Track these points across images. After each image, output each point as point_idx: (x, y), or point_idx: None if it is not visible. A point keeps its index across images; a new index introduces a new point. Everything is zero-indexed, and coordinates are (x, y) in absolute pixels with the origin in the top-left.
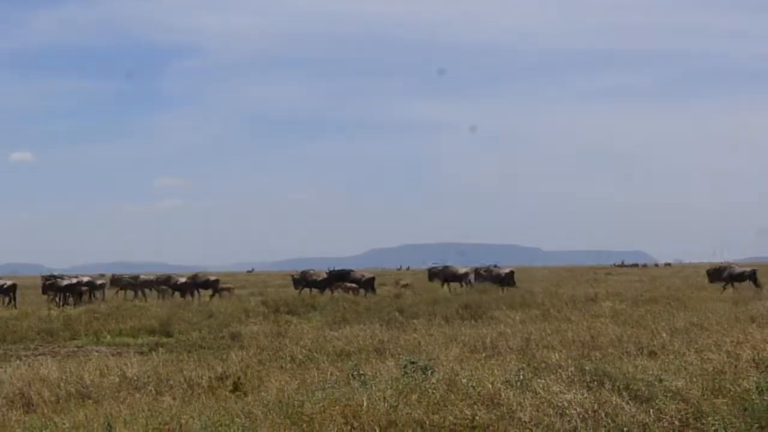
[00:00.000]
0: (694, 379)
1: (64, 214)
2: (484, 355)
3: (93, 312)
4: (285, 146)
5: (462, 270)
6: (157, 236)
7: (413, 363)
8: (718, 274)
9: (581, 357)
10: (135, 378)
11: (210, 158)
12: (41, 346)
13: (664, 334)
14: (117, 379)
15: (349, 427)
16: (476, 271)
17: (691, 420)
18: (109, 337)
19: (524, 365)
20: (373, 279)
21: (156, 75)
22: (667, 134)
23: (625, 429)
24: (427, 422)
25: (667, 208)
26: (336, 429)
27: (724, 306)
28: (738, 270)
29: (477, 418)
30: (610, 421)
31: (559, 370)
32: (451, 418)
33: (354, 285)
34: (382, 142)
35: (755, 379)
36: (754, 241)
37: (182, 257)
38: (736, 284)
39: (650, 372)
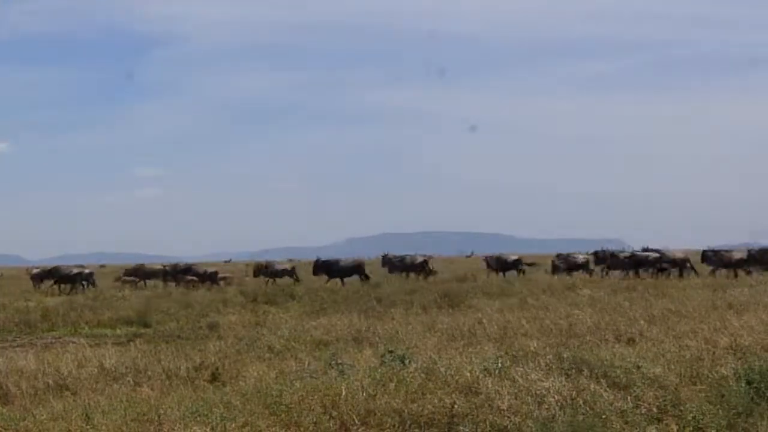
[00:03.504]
0: (672, 366)
1: (42, 204)
2: (462, 343)
3: (71, 303)
4: (264, 135)
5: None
6: (136, 226)
7: (391, 352)
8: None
9: (559, 345)
10: (113, 369)
11: (189, 148)
12: (19, 337)
13: (642, 322)
14: (95, 370)
15: (327, 417)
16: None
17: (669, 407)
18: (86, 328)
19: (502, 353)
20: (216, 273)
21: (134, 64)
22: (643, 122)
23: (603, 416)
24: (406, 411)
25: (642, 196)
26: (314, 418)
27: (701, 293)
28: (581, 259)
29: (455, 406)
30: (588, 408)
31: (537, 358)
32: (429, 406)
33: (194, 278)
34: (360, 131)
35: (733, 366)
36: (733, 230)
37: (161, 247)
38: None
39: (628, 359)
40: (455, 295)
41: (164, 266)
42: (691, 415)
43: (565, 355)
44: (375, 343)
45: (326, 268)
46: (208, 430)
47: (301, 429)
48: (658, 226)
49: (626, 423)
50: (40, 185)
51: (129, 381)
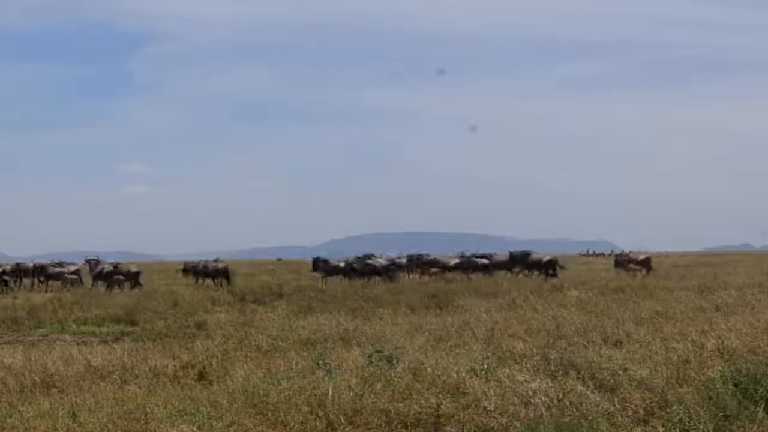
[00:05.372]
0: (659, 368)
1: (28, 201)
2: (449, 344)
3: (58, 301)
4: (250, 134)
5: None
6: (124, 224)
7: (379, 352)
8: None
9: (546, 346)
10: (100, 367)
11: (175, 146)
12: (6, 334)
13: (630, 324)
14: (82, 368)
15: (314, 416)
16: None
17: (655, 409)
18: (74, 325)
19: (489, 354)
20: (139, 273)
21: (123, 61)
22: (632, 123)
23: (589, 418)
24: (393, 411)
25: (632, 197)
26: (301, 418)
27: (689, 295)
28: (341, 264)
29: (442, 407)
30: (574, 410)
31: (525, 360)
32: (416, 407)
33: (121, 278)
34: (346, 130)
35: (720, 368)
36: (720, 232)
37: (147, 245)
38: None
39: (615, 361)
40: (443, 295)
41: (35, 265)
42: (678, 417)
43: (552, 357)
44: (362, 343)
45: None
46: (194, 428)
47: (288, 428)
48: (654, 228)
49: (613, 425)
50: (26, 182)
51: (116, 379)
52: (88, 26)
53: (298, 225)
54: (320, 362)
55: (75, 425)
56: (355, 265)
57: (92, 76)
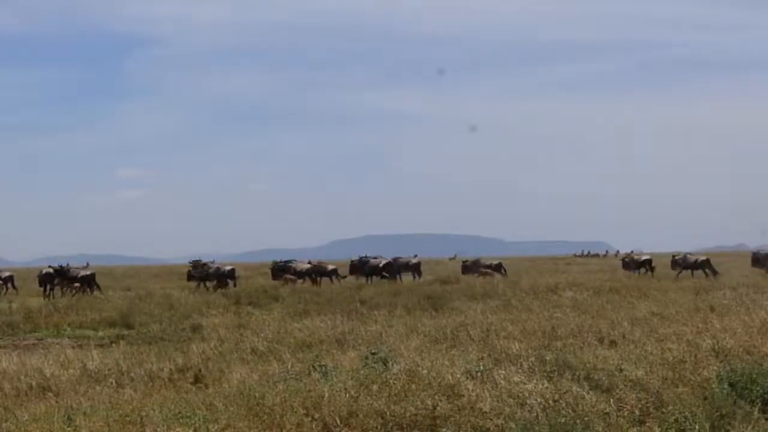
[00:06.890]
0: (655, 369)
1: (23, 205)
2: (445, 345)
3: (53, 304)
4: (247, 137)
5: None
6: (119, 227)
7: (374, 354)
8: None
9: (542, 347)
10: (96, 370)
11: (172, 149)
12: (1, 338)
13: (625, 324)
14: (78, 372)
15: (309, 419)
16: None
17: (651, 409)
18: (69, 329)
19: (485, 356)
20: (93, 275)
21: (117, 65)
22: (626, 124)
23: (585, 419)
24: (388, 413)
25: (629, 197)
26: (297, 420)
27: (684, 296)
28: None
29: (437, 408)
30: (570, 410)
31: (520, 361)
32: (411, 408)
33: (75, 284)
34: (344, 132)
35: (715, 368)
36: (715, 232)
37: (144, 249)
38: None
39: (611, 362)
40: (438, 297)
41: None
42: (674, 417)
43: (547, 358)
44: (358, 345)
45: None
46: (190, 431)
47: (284, 431)
48: (650, 229)
49: (609, 425)
50: (21, 186)
51: (112, 383)
52: (85, 29)
53: (297, 227)
54: (316, 364)
55: (71, 429)
56: (206, 271)
57: (90, 79)
